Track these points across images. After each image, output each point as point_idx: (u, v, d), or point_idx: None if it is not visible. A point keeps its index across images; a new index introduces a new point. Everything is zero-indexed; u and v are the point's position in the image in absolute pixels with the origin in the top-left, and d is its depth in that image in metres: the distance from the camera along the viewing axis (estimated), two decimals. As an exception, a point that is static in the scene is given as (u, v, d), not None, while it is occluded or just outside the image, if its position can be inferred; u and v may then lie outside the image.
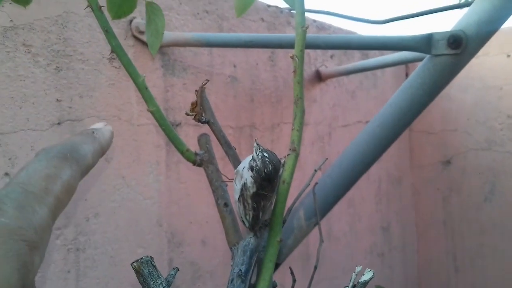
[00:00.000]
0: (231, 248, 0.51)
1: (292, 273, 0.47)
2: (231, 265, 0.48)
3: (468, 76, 1.52)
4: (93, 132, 0.34)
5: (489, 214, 1.56)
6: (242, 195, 0.46)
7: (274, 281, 0.51)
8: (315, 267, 0.50)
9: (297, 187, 1.17)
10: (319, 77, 1.35)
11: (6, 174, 0.73)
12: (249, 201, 0.46)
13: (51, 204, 0.26)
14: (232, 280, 0.45)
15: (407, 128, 0.94)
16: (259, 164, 0.43)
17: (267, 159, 0.43)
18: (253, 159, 0.43)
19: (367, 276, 0.36)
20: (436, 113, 1.68)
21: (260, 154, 0.43)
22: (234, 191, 0.48)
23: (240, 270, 0.45)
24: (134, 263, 0.37)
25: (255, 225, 0.47)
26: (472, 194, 1.61)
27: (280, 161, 0.44)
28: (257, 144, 0.43)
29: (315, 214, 1.00)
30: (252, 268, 0.46)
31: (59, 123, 0.79)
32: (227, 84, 1.09)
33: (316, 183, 0.56)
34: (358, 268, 0.37)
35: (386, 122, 0.88)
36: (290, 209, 0.54)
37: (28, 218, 0.24)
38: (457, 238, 1.61)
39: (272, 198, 0.47)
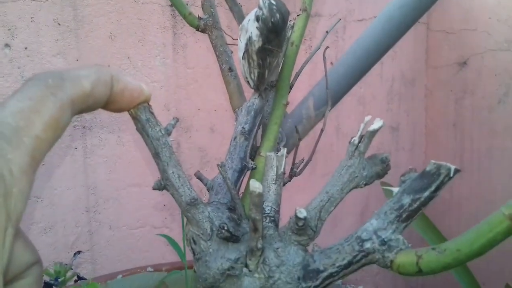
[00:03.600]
0: (235, 111, 0.49)
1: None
2: (234, 125, 0.46)
3: (494, -29, 1.42)
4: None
5: (501, 116, 1.53)
6: (246, 51, 0.43)
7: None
8: (322, 130, 0.48)
9: (307, 82, 1.14)
10: (335, -35, 1.27)
11: (7, 45, 0.71)
12: (254, 57, 0.43)
13: (27, 146, 0.20)
14: (235, 137, 0.44)
15: (429, 9, 0.89)
16: (265, 13, 0.40)
17: (274, 7, 0.40)
18: (259, 7, 0.40)
19: (376, 125, 0.35)
20: (456, 11, 1.59)
21: (267, 1, 0.40)
22: (238, 49, 0.46)
23: (243, 128, 0.44)
24: (131, 110, 0.36)
25: (260, 85, 0.46)
26: (486, 96, 1.57)
27: (288, 11, 0.41)
28: (264, -9, 0.40)
29: (324, 104, 0.98)
30: (256, 128, 0.45)
31: (59, -5, 0.76)
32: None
33: (327, 47, 0.54)
34: (368, 118, 0.35)
35: (407, 3, 0.82)
36: (297, 74, 0.52)
37: None
38: (467, 140, 1.60)
39: (279, 56, 0.44)
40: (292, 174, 0.45)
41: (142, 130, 0.37)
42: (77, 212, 0.80)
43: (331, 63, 1.30)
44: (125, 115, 0.89)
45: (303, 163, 0.45)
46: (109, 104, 0.28)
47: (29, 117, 0.21)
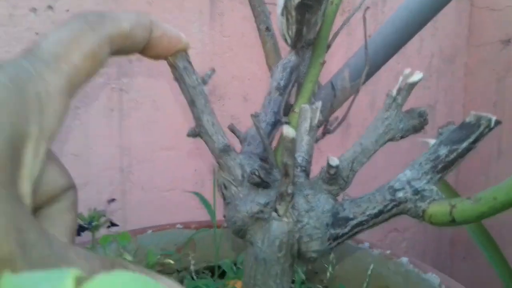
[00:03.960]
0: (270, 69, 0.49)
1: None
2: (270, 82, 0.47)
3: None
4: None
5: (546, 97, 1.47)
6: (285, 6, 0.43)
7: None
8: (358, 89, 0.48)
9: (344, 55, 1.13)
10: None
11: (50, 7, 0.73)
12: (293, 13, 0.43)
13: (64, 71, 0.21)
14: (270, 93, 0.44)
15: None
16: (305, -34, 0.39)
17: (314, -41, 0.39)
18: (298, -40, 0.40)
19: (416, 77, 0.34)
20: (503, -13, 1.52)
21: (307, -46, 0.39)
22: (277, 6, 0.45)
23: (278, 83, 0.44)
24: (169, 58, 0.36)
25: (297, 42, 0.45)
26: (531, 76, 1.51)
27: (328, -36, 0.40)
28: None
29: (360, 76, 0.97)
30: (291, 84, 0.45)
31: (99, -42, 0.77)
32: None
33: (368, 7, 0.53)
34: (407, 71, 0.35)
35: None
36: (336, 34, 0.51)
37: (30, 80, 0.20)
38: (507, 120, 1.54)
39: (317, 13, 0.44)
40: (326, 131, 0.44)
41: (179, 78, 0.38)
42: (111, 171, 0.82)
43: (369, 36, 1.27)
44: (161, 80, 0.89)
45: (337, 121, 0.45)
46: (147, 49, 0.29)
47: (69, 46, 0.22)
